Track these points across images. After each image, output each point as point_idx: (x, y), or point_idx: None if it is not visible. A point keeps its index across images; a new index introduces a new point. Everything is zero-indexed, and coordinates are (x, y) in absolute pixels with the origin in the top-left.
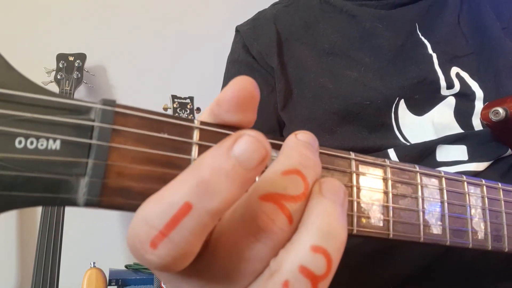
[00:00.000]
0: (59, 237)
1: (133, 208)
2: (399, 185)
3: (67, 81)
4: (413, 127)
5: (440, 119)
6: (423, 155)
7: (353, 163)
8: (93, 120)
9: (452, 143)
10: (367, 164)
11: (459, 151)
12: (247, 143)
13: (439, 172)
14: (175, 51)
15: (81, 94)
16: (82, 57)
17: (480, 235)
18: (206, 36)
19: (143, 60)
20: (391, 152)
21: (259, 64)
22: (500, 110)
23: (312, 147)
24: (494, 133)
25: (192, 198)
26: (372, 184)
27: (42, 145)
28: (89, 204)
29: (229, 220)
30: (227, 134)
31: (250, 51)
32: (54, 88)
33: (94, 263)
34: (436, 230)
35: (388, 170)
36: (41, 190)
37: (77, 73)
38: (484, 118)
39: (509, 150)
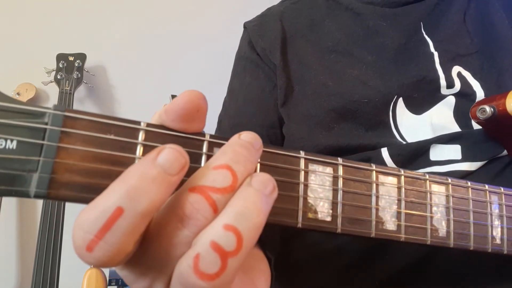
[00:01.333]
0: (59, 237)
1: (80, 200)
2: (351, 182)
3: (67, 81)
4: (411, 126)
5: (439, 119)
6: (416, 154)
7: (302, 161)
8: (46, 123)
9: (446, 142)
10: (317, 162)
11: (453, 151)
12: (169, 153)
13: (399, 170)
14: (175, 51)
15: (81, 94)
16: (82, 57)
17: (441, 233)
18: (206, 36)
19: (143, 60)
20: (384, 151)
21: (262, 61)
22: (487, 108)
23: (252, 146)
24: (486, 131)
25: (123, 202)
26: (321, 181)
27: (1, 144)
28: (38, 196)
29: (161, 211)
30: (171, 135)
31: (255, 47)
32: (54, 88)
33: None
34: (390, 226)
35: (340, 168)
36: None
37: (77, 73)
38: (472, 116)
39: (505, 150)
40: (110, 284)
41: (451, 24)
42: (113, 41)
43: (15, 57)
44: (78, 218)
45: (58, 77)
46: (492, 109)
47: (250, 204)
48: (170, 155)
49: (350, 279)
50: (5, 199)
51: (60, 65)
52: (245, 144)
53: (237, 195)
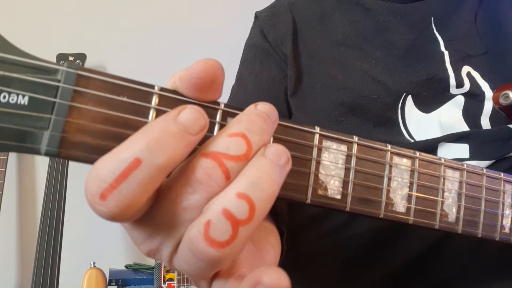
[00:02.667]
0: (59, 237)
1: (89, 160)
2: (365, 162)
3: None
4: (419, 124)
5: (448, 118)
6: (424, 152)
7: (316, 137)
8: (59, 81)
9: (454, 141)
10: (332, 139)
11: (461, 149)
12: (190, 113)
13: (414, 152)
14: (175, 51)
15: None
16: (82, 57)
17: (451, 218)
18: (207, 36)
19: (143, 60)
20: None
21: (274, 51)
22: (510, 93)
23: (268, 117)
24: (508, 117)
25: (142, 154)
26: (334, 159)
27: (13, 99)
28: (48, 153)
29: (173, 174)
30: (185, 101)
31: (267, 37)
32: None
33: (94, 263)
34: (399, 208)
35: (355, 146)
36: (10, 138)
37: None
38: (495, 101)
39: None
40: (110, 284)
41: (462, 23)
42: (113, 41)
43: None
44: (94, 166)
45: None
46: None
47: (264, 174)
48: (191, 115)
49: (353, 273)
50: (5, 200)
51: None
52: (262, 114)
53: (250, 164)
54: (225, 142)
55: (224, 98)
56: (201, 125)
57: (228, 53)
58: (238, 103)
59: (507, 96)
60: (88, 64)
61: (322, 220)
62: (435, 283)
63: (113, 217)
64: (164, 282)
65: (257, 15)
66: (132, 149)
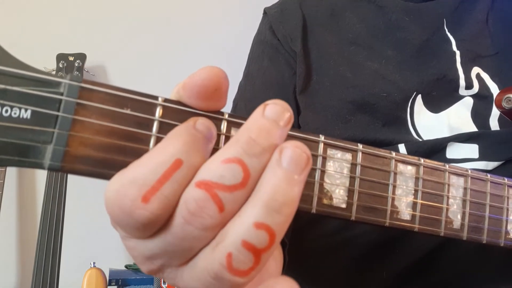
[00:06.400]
0: (59, 237)
1: (93, 174)
2: (370, 170)
3: None
4: (428, 124)
5: (456, 119)
6: (433, 151)
7: (321, 146)
8: (62, 94)
9: (464, 141)
10: (336, 147)
11: (470, 150)
12: (205, 122)
13: (418, 159)
14: (175, 51)
15: None
16: (82, 57)
17: (456, 225)
18: (207, 36)
19: (143, 60)
20: (402, 147)
21: (283, 47)
22: None
23: (276, 123)
24: (511, 121)
25: (182, 155)
26: (339, 168)
27: (15, 113)
28: (52, 168)
29: (169, 200)
30: (189, 112)
31: (276, 34)
32: None
33: (94, 263)
34: (404, 216)
35: (359, 155)
36: (12, 153)
37: (77, 73)
38: (497, 104)
39: None
40: (110, 284)
41: (475, 23)
42: (113, 41)
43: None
44: (127, 173)
45: None
46: None
47: (280, 197)
48: (206, 124)
49: (358, 270)
50: (5, 200)
51: (60, 65)
52: (266, 126)
53: (265, 180)
54: (219, 170)
55: (227, 107)
56: (213, 136)
57: (228, 51)
58: (246, 99)
59: (510, 100)
60: (88, 64)
61: (327, 218)
62: (441, 283)
63: (153, 220)
64: (164, 282)
65: (266, 11)
66: (170, 151)
